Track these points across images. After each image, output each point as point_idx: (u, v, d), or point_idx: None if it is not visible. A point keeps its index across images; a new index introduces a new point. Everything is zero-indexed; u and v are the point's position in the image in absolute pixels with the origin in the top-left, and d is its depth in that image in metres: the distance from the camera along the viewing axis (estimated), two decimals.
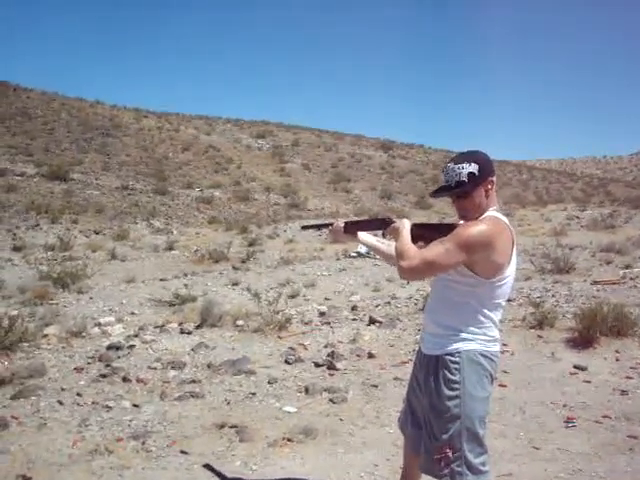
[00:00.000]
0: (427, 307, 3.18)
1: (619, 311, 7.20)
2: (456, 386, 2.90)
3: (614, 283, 10.42)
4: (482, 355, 2.93)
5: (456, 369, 2.91)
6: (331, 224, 3.49)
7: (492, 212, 2.93)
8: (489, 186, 2.90)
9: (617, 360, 6.59)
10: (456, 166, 2.90)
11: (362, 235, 3.43)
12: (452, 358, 2.92)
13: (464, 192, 2.90)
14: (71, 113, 37.56)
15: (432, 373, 2.98)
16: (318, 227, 3.84)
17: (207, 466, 4.34)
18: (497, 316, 2.98)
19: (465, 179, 2.88)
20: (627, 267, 12.29)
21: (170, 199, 25.12)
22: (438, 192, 3.06)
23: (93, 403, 5.43)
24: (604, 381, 6.06)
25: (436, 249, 2.80)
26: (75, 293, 10.10)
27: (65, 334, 7.42)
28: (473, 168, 2.86)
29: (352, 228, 3.41)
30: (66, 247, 15.22)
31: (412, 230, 3.02)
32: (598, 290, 9.80)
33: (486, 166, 2.89)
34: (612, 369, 6.37)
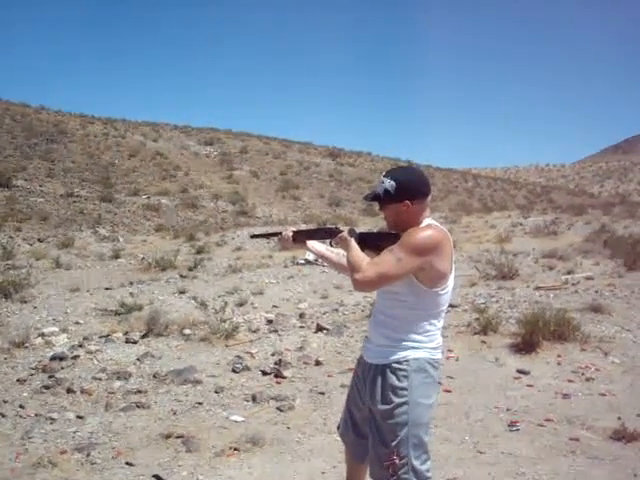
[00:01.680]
0: (372, 319, 3.21)
1: (561, 316, 7.38)
2: (404, 393, 2.93)
3: (556, 288, 10.65)
4: (428, 363, 2.98)
5: (404, 376, 2.94)
6: (280, 233, 3.50)
7: (430, 221, 3.00)
8: (403, 208, 2.95)
9: (559, 364, 6.75)
10: (383, 178, 3.02)
11: (311, 244, 3.45)
12: (399, 366, 2.95)
13: (379, 204, 3.06)
14: (15, 119, 36.71)
15: (379, 381, 3.00)
16: (267, 236, 3.87)
17: (158, 475, 4.32)
18: (440, 323, 3.04)
19: (381, 193, 3.01)
20: (569, 273, 12.56)
21: (116, 206, 24.78)
22: (365, 197, 3.21)
23: (36, 415, 5.34)
24: (547, 385, 6.19)
25: (387, 260, 2.83)
26: (18, 302, 9.89)
27: (7, 345, 7.28)
28: (389, 186, 2.96)
29: (301, 237, 3.44)
30: (9, 255, 14.89)
31: (359, 238, 3.07)
32: (541, 295, 10.02)
33: (405, 188, 2.95)
34: (554, 373, 6.51)
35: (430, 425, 3.09)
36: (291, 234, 3.41)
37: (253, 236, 4.12)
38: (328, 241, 3.27)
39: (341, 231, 3.15)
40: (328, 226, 3.52)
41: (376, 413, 3.01)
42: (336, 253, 3.37)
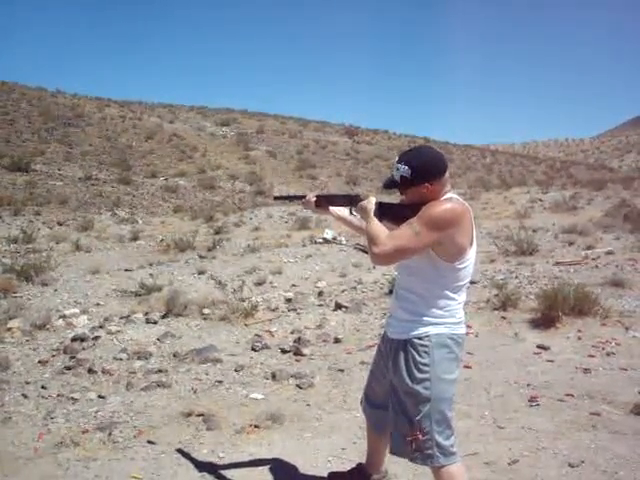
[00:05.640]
0: (394, 294, 3.22)
1: (581, 291, 7.33)
2: (426, 369, 2.94)
3: (576, 264, 10.57)
4: (450, 338, 2.99)
5: (425, 352, 2.95)
6: (303, 196, 3.56)
7: (450, 194, 2.98)
8: (424, 190, 2.93)
9: (579, 339, 6.71)
10: (397, 164, 2.99)
11: (334, 208, 3.49)
12: (421, 342, 2.96)
13: (398, 190, 3.05)
14: (32, 103, 36.87)
15: (401, 356, 3.02)
16: (290, 199, 3.90)
17: (180, 451, 4.36)
18: (462, 297, 3.04)
19: (398, 180, 2.99)
20: (589, 248, 12.45)
21: (134, 188, 24.86)
22: (384, 186, 3.18)
23: (58, 395, 5.39)
24: (567, 360, 6.16)
25: (406, 233, 2.82)
26: (39, 285, 9.96)
27: (29, 327, 7.34)
28: (405, 172, 2.94)
29: (323, 202, 3.49)
30: (29, 239, 14.96)
31: (378, 208, 3.06)
32: (560, 271, 9.94)
33: (421, 171, 2.92)
34: (574, 348, 6.48)
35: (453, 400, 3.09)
36: (314, 198, 3.47)
37: (276, 198, 4.14)
38: (349, 208, 3.32)
39: (362, 199, 3.17)
40: (349, 193, 3.54)
41: (399, 388, 3.02)
42: (358, 219, 3.39)
